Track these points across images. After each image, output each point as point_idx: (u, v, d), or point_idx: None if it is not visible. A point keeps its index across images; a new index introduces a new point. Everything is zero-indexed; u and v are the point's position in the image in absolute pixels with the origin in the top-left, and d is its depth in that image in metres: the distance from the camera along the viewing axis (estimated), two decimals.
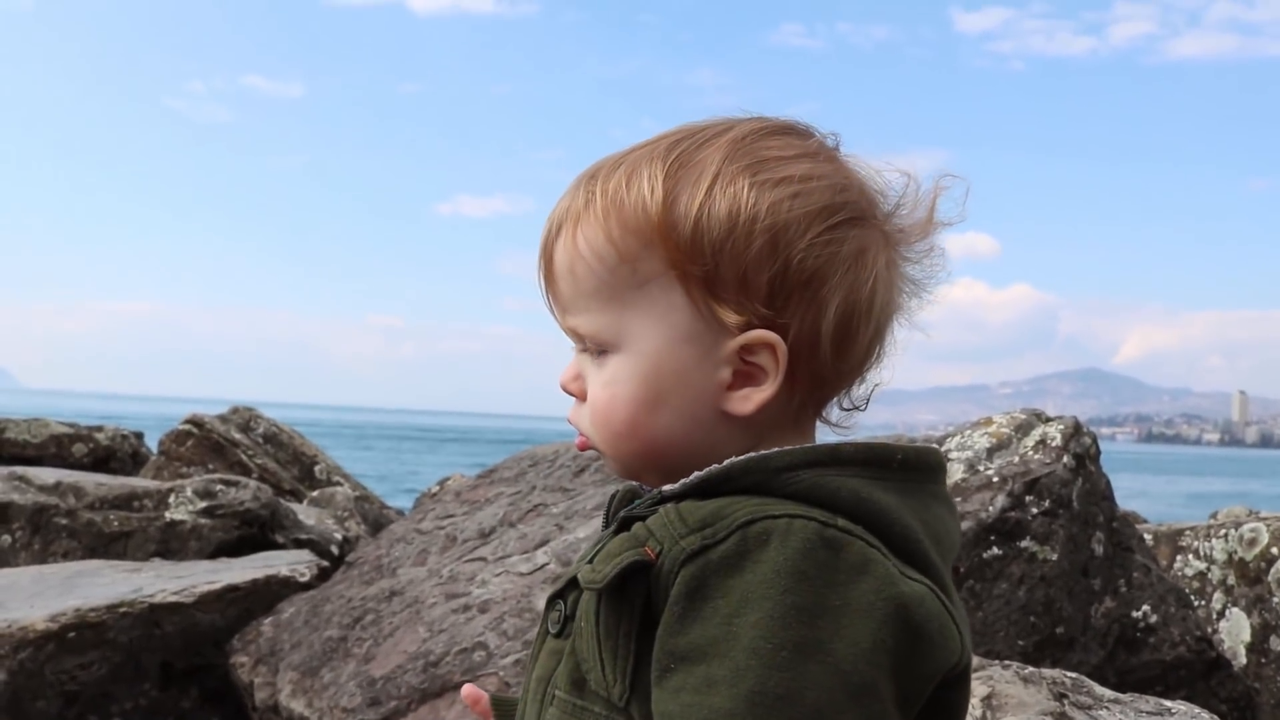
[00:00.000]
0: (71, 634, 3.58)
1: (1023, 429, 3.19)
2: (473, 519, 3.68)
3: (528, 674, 1.18)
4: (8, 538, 4.93)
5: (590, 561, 1.08)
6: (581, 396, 1.15)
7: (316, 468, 6.89)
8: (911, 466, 1.10)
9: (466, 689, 1.36)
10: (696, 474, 1.07)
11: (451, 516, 3.82)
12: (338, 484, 6.61)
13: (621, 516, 1.10)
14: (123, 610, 3.67)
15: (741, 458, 1.06)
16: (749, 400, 1.10)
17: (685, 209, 1.09)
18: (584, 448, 1.17)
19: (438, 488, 5.40)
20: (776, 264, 1.08)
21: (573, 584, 1.13)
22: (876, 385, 1.19)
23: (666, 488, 1.09)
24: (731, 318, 1.08)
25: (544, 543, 3.30)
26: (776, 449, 1.07)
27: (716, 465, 1.07)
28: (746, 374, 1.10)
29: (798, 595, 0.96)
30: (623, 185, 1.11)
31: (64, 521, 4.88)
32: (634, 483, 1.28)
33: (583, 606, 1.07)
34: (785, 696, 0.94)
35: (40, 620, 3.58)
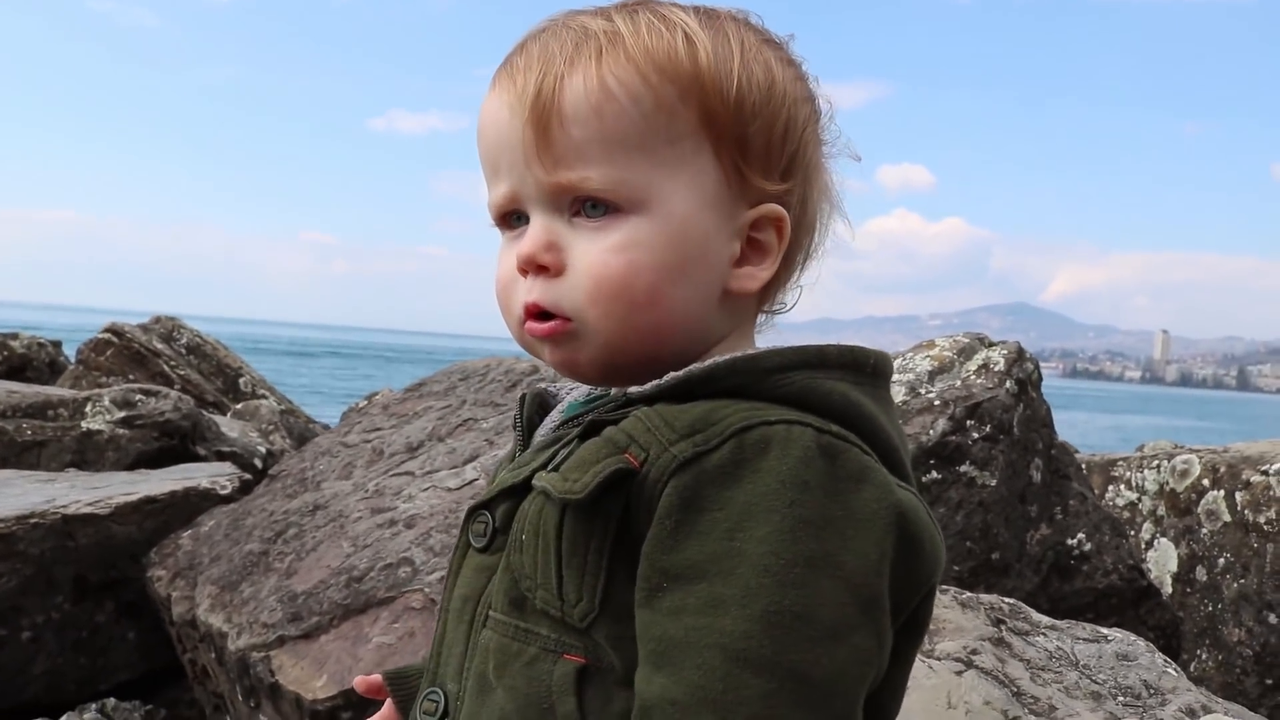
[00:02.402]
0: None
1: (965, 353, 3.15)
2: (400, 433, 3.58)
3: (447, 592, 1.10)
4: None
5: (554, 469, 0.99)
6: (556, 269, 1.02)
7: (241, 380, 6.73)
8: (880, 372, 1.04)
9: (358, 681, 1.25)
10: (673, 375, 0.99)
11: (379, 430, 3.72)
12: (263, 397, 6.47)
13: (590, 420, 1.00)
14: (34, 521, 3.53)
15: (726, 358, 0.98)
16: (754, 278, 1.05)
17: (728, 67, 1.01)
18: (553, 334, 1.02)
19: (364, 402, 5.29)
20: (792, 143, 1.05)
21: (504, 495, 1.04)
22: (801, 290, 1.14)
23: (633, 389, 1.00)
24: (760, 185, 1.03)
25: (473, 458, 3.21)
26: (765, 349, 1.01)
27: (698, 365, 0.98)
28: (748, 252, 1.05)
29: (804, 507, 0.89)
30: (657, 29, 1.01)
31: None
32: (543, 386, 1.20)
33: (531, 518, 0.99)
34: (801, 615, 0.87)
35: None
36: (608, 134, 0.99)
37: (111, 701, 3.41)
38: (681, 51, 1.00)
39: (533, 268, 1.03)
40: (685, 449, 0.92)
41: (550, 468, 1.00)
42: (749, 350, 1.03)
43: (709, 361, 0.99)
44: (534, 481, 1.00)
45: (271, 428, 5.45)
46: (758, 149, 1.03)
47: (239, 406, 5.92)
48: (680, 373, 0.99)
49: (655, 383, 0.99)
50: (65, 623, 3.55)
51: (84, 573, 3.58)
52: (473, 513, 1.08)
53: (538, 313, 1.03)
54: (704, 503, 0.91)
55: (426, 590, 2.69)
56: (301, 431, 5.77)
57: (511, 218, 1.06)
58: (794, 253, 1.08)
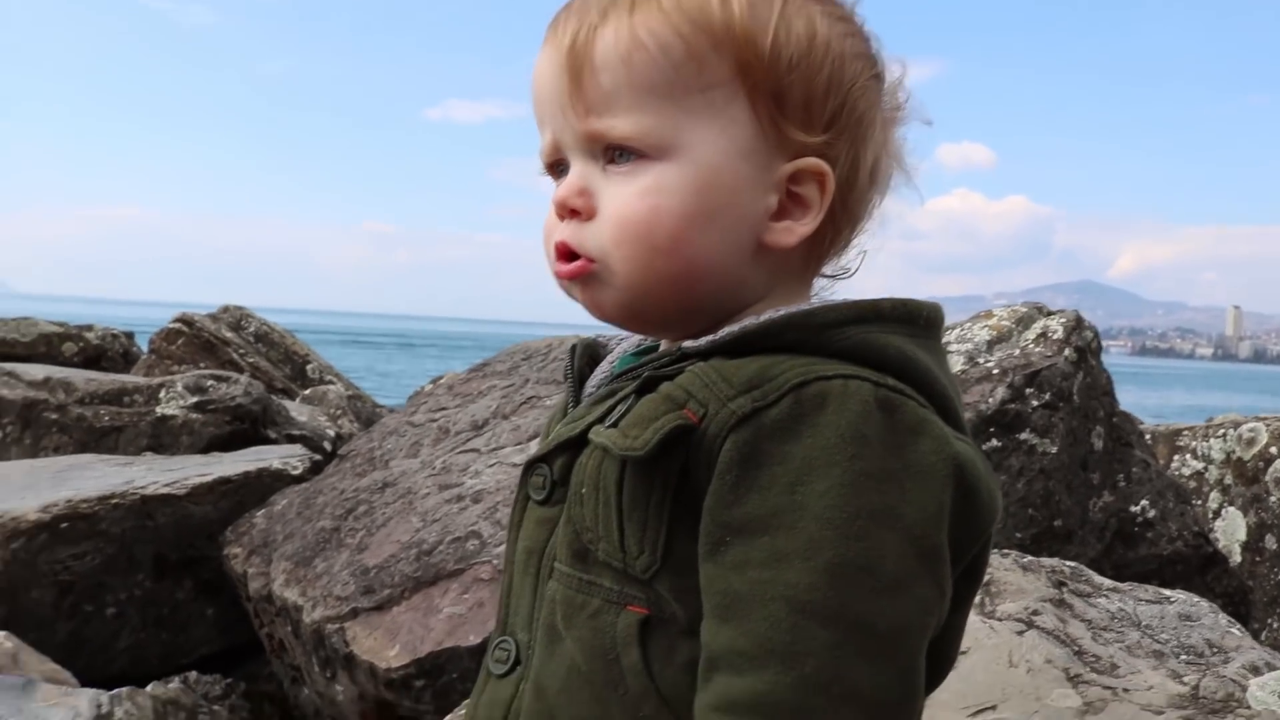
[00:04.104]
0: (64, 525, 3.56)
1: (1024, 322, 3.15)
2: (465, 411, 3.64)
3: (511, 545, 1.12)
4: None
5: (612, 425, 1.00)
6: (588, 214, 1.04)
7: (308, 367, 6.85)
8: (933, 325, 1.05)
9: None
10: (728, 329, 1.00)
11: (444, 409, 3.79)
12: (330, 382, 6.58)
13: (647, 376, 1.02)
14: (114, 501, 3.65)
15: (781, 313, 1.00)
16: (791, 232, 1.05)
17: (765, 18, 1.02)
18: (576, 274, 1.05)
19: (430, 386, 5.36)
20: (836, 97, 1.05)
21: (561, 448, 1.06)
22: (864, 254, 1.14)
23: (688, 344, 1.02)
24: (798, 137, 1.03)
25: (537, 434, 3.26)
26: (819, 304, 1.02)
27: (753, 320, 1.00)
28: (788, 206, 1.05)
29: (864, 460, 0.91)
30: None
31: (54, 416, 4.84)
32: (592, 337, 1.22)
33: (590, 473, 1.01)
34: (865, 567, 0.89)
35: (32, 511, 3.56)
36: (636, 82, 1.01)
37: (193, 675, 3.51)
38: (715, 4, 1.01)
39: (566, 212, 1.05)
40: (744, 404, 0.93)
41: (608, 423, 1.01)
42: (803, 306, 1.03)
43: (764, 317, 1.00)
44: (592, 437, 1.01)
45: (339, 412, 5.55)
46: (796, 101, 1.03)
47: (307, 392, 6.02)
48: (735, 327, 1.00)
49: (710, 338, 1.01)
50: (146, 599, 3.66)
51: (163, 551, 3.69)
52: (530, 466, 1.10)
53: (566, 253, 1.06)
54: (764, 458, 0.92)
55: (495, 562, 2.75)
56: (368, 415, 5.87)
57: (557, 167, 1.09)
58: (842, 211, 1.08)
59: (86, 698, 2.69)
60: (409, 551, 2.93)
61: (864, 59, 1.08)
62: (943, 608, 0.95)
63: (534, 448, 3.18)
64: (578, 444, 1.04)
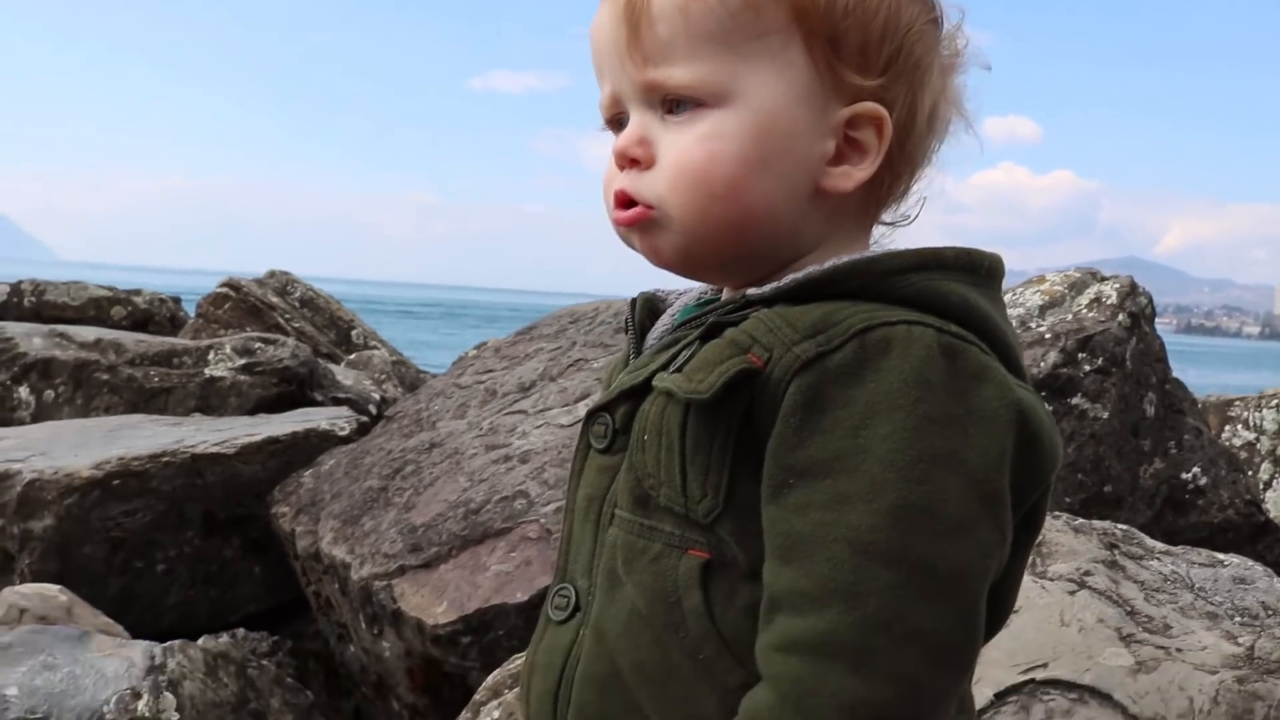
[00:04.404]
0: (116, 482, 3.61)
1: (1076, 287, 3.12)
2: (512, 374, 3.66)
3: (571, 494, 1.14)
4: (50, 393, 4.96)
5: (676, 371, 1.01)
6: (647, 162, 1.05)
7: (353, 332, 6.90)
8: (994, 275, 1.06)
9: None
10: (792, 276, 1.01)
11: (490, 372, 3.80)
12: (374, 348, 6.62)
13: (711, 322, 1.03)
14: (165, 460, 3.69)
15: (845, 259, 1.01)
16: (849, 177, 1.05)
17: None
18: (635, 221, 1.06)
19: (474, 351, 5.39)
20: (893, 42, 1.05)
21: (623, 397, 1.07)
22: (924, 200, 1.14)
23: (752, 291, 1.02)
24: (855, 81, 1.03)
25: (585, 396, 3.27)
26: (882, 252, 1.03)
27: (817, 267, 1.01)
28: (845, 151, 1.05)
29: (927, 405, 0.91)
30: None
31: (105, 377, 4.90)
32: (653, 291, 1.22)
33: (653, 419, 1.02)
34: (928, 509, 0.90)
35: (85, 468, 3.61)
36: (692, 30, 1.02)
37: (241, 631, 3.56)
38: None
39: (625, 162, 1.06)
40: (808, 349, 0.94)
41: (672, 369, 1.02)
42: (866, 253, 1.05)
43: (828, 264, 1.01)
44: (655, 383, 1.02)
45: (384, 376, 5.58)
46: (852, 45, 1.03)
47: (352, 357, 6.06)
48: (800, 274, 1.01)
49: (774, 284, 1.02)
50: (196, 557, 3.71)
51: (212, 509, 3.73)
52: (592, 415, 1.11)
53: (625, 201, 1.07)
54: (827, 401, 0.93)
55: (542, 521, 2.77)
56: (413, 380, 5.90)
57: (617, 122, 1.10)
58: (900, 156, 1.08)
59: (140, 649, 2.73)
60: (456, 510, 2.95)
61: (921, 3, 1.08)
62: (1003, 552, 0.96)
63: (582, 409, 3.19)
64: (640, 392, 1.05)
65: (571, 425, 3.11)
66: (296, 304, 6.97)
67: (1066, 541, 2.14)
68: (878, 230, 1.13)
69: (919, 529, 0.90)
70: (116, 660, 2.68)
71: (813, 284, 1.00)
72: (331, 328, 6.92)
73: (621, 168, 1.07)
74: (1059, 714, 1.80)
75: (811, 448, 0.93)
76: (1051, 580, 2.04)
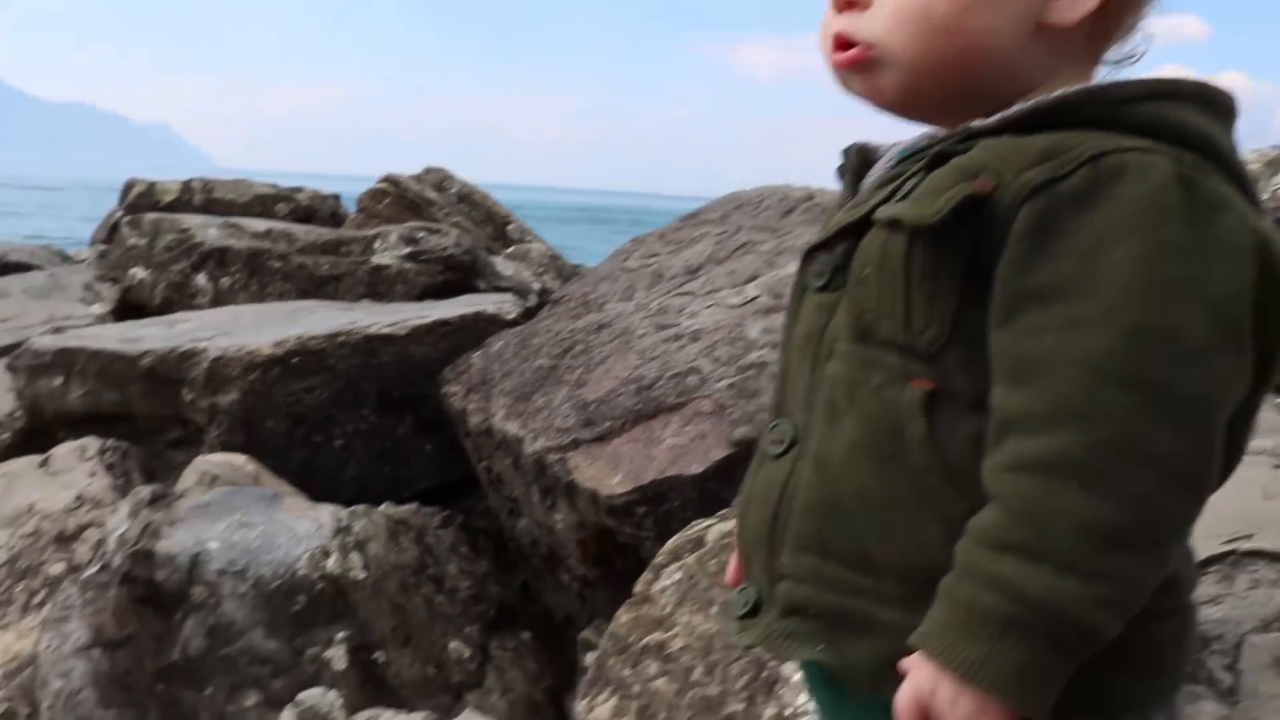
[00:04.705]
0: (295, 359, 3.74)
1: (1274, 165, 2.98)
2: (679, 257, 3.66)
3: (788, 332, 1.13)
4: (226, 280, 5.16)
5: (900, 200, 1.00)
6: (865, 3, 1.04)
7: (509, 227, 6.97)
8: (1229, 111, 1.01)
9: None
10: (1020, 105, 0.99)
11: (656, 255, 3.81)
12: (531, 241, 6.69)
13: (936, 151, 1.01)
14: (340, 339, 3.81)
15: (1075, 88, 0.98)
16: (1074, 7, 1.02)
17: None
18: (854, 61, 1.06)
19: (629, 243, 5.41)
20: None
21: (842, 234, 1.06)
22: (1152, 37, 1.09)
23: (976, 123, 1.00)
24: None
25: (754, 277, 3.26)
26: (1113, 80, 1.00)
27: (1045, 96, 0.98)
28: None
29: (1166, 230, 0.89)
30: None
31: (278, 265, 5.07)
32: (864, 142, 1.20)
33: (874, 253, 1.01)
34: (1166, 334, 0.88)
35: (267, 346, 3.75)
36: None
37: (414, 505, 3.68)
38: None
39: (843, 4, 1.06)
40: (1038, 174, 0.92)
41: (896, 199, 1.02)
42: (1096, 82, 1.02)
43: (1057, 93, 0.98)
44: (879, 214, 1.02)
45: (543, 269, 5.64)
46: None
47: (510, 250, 6.14)
48: (1028, 103, 0.99)
49: (1001, 114, 0.99)
50: (371, 433, 3.84)
51: (386, 388, 3.85)
52: (809, 255, 1.11)
53: (843, 44, 1.06)
54: (1058, 226, 0.91)
55: (715, 396, 2.77)
56: (570, 274, 5.95)
57: None
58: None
59: (328, 511, 2.85)
60: (628, 387, 2.98)
61: None
62: (1243, 383, 0.93)
63: (751, 290, 3.18)
64: (859, 229, 1.05)
65: (742, 305, 3.11)
66: (454, 199, 7.07)
67: (1268, 417, 2.07)
68: (1102, 71, 1.09)
69: (1158, 353, 0.88)
70: (307, 521, 2.80)
71: (1041, 113, 0.97)
72: (488, 223, 7.01)
73: (839, 10, 1.06)
74: (1265, 584, 1.75)
75: (1042, 273, 0.91)
76: (1253, 455, 1.98)
